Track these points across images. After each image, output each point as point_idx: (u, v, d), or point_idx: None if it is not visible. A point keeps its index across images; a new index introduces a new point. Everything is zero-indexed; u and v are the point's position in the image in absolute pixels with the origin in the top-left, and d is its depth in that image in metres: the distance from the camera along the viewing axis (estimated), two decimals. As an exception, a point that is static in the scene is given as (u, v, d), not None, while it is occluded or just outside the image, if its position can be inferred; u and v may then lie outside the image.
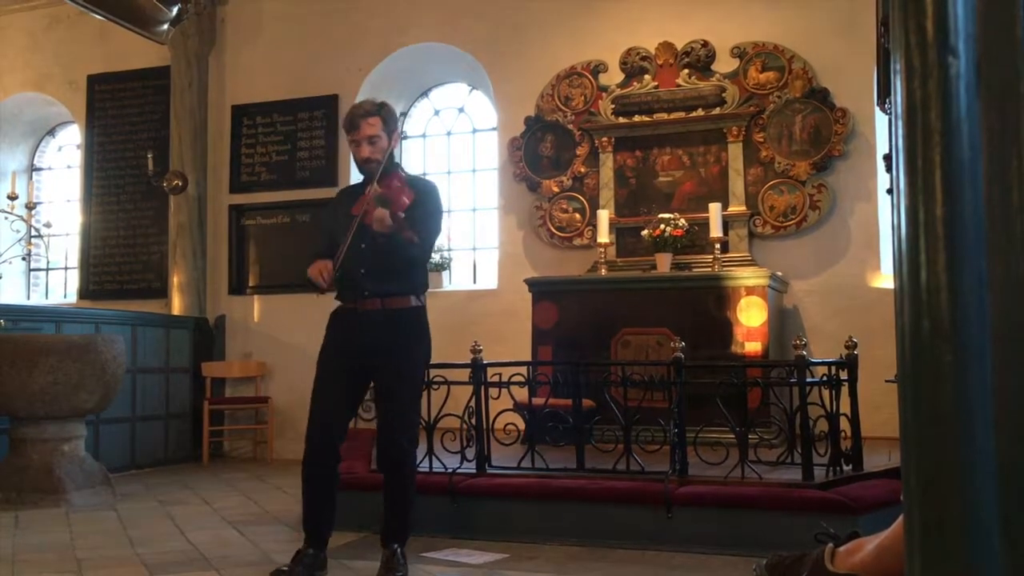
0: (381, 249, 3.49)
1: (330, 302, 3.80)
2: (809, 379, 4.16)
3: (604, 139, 6.95)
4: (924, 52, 0.66)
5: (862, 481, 4.10)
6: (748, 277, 5.93)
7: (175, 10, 6.82)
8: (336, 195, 4.09)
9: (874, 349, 5.27)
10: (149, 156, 7.90)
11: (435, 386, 4.47)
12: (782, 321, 6.35)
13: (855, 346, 4.38)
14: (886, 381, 5.10)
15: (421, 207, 3.59)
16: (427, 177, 8.05)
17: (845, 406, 4.29)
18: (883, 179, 6.15)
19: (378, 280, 3.56)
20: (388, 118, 3.65)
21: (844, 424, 4.28)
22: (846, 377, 4.32)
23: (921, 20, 0.65)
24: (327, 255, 3.58)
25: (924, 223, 0.66)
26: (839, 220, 6.53)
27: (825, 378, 4.30)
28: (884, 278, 6.35)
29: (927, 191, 0.66)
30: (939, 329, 0.65)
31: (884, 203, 6.29)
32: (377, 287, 3.57)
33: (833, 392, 4.24)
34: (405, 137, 8.10)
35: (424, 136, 8.16)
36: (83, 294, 8.49)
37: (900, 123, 0.68)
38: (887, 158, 4.99)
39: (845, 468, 4.21)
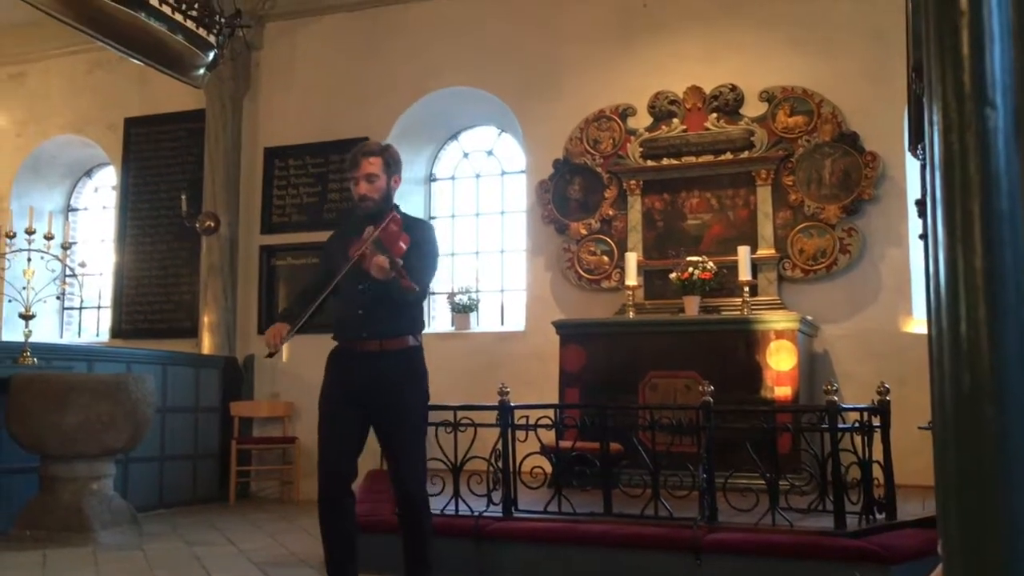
0: (378, 291, 3.48)
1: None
2: (841, 425, 4.10)
3: (632, 182, 6.97)
4: (962, 105, 0.66)
5: (896, 530, 4.03)
6: (778, 321, 5.89)
7: (211, 55, 6.96)
8: (330, 237, 3.97)
9: (906, 395, 5.19)
10: (183, 197, 8.03)
11: (462, 428, 4.46)
12: (812, 365, 6.29)
13: (887, 392, 4.32)
14: (919, 428, 5.02)
15: (417, 249, 3.58)
16: (455, 219, 8.13)
17: (878, 453, 4.22)
18: (914, 223, 6.10)
19: (376, 321, 3.56)
20: (390, 160, 3.66)
21: (877, 471, 4.21)
22: (878, 423, 4.26)
23: (959, 74, 0.65)
24: (313, 292, 3.68)
25: (964, 274, 0.66)
26: (870, 264, 6.48)
27: (857, 424, 4.24)
28: (916, 323, 6.28)
29: (966, 243, 0.66)
30: (980, 382, 0.64)
31: (916, 248, 6.23)
32: (375, 328, 3.56)
33: (865, 439, 4.18)
34: (434, 180, 8.19)
35: (453, 179, 8.23)
36: (115, 333, 8.59)
37: (938, 175, 0.68)
38: (920, 203, 4.95)
39: (878, 516, 4.15)
